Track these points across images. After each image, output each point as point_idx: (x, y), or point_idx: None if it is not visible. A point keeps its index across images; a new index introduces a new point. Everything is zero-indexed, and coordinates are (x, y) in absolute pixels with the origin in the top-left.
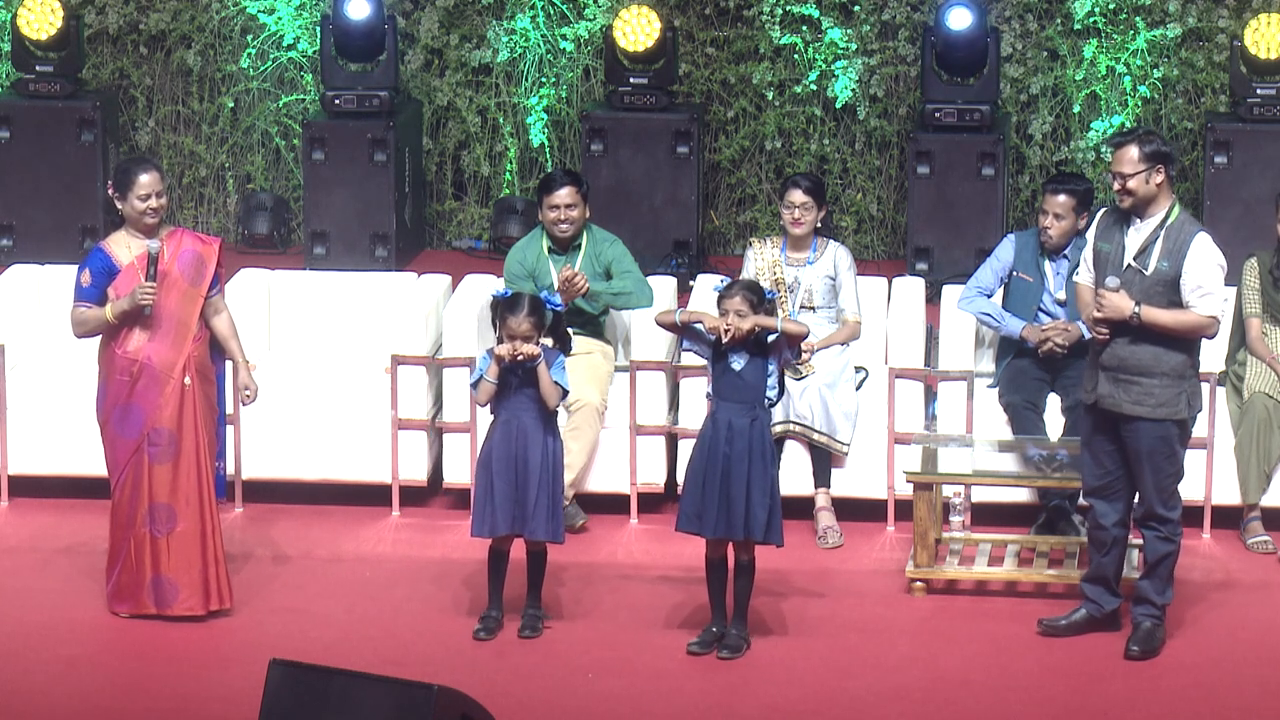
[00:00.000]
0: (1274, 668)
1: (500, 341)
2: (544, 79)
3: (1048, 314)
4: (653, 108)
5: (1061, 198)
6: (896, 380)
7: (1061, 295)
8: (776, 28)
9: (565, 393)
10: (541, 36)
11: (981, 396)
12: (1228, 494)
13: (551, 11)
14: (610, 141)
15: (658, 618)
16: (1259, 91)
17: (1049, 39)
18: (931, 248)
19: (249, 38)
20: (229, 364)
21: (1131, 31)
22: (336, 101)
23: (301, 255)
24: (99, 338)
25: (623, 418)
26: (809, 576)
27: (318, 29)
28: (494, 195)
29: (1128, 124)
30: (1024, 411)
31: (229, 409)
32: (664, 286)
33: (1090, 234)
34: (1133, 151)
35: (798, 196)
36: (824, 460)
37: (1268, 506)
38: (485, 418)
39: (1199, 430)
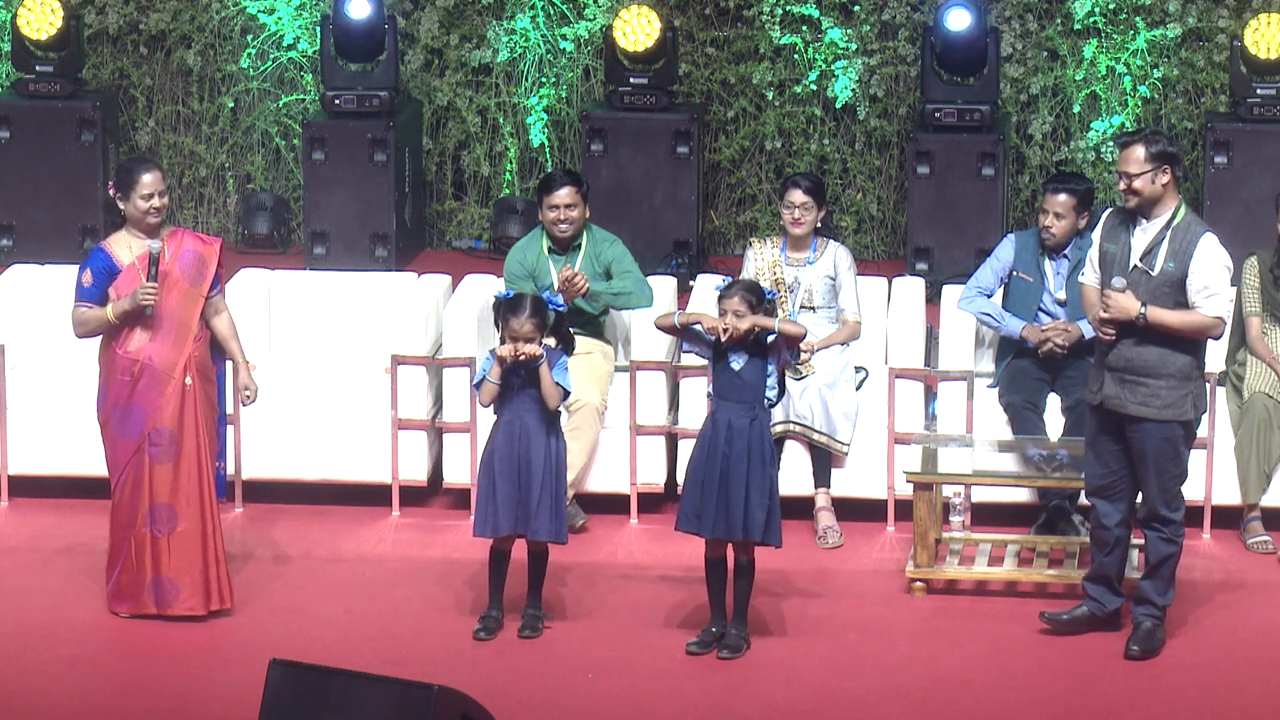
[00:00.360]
0: (1274, 668)
1: (503, 342)
2: (544, 79)
3: (1048, 314)
4: (653, 108)
5: (1062, 197)
6: (896, 380)
7: (1062, 295)
8: (776, 28)
9: (567, 394)
10: (541, 36)
11: (981, 396)
12: (1228, 494)
13: (551, 11)
14: (610, 141)
15: (658, 618)
16: (1259, 91)
17: (1049, 39)
18: (931, 248)
19: (249, 38)
20: (229, 364)
21: (1131, 31)
22: (336, 101)
23: (301, 255)
24: (100, 338)
25: (623, 418)
26: (809, 576)
27: (318, 29)
28: (494, 195)
29: (1128, 124)
30: (1024, 411)
31: (229, 409)
32: (664, 286)
33: (1095, 234)
34: (1139, 151)
35: (798, 196)
36: (824, 460)
37: (1268, 506)
38: (485, 418)
39: (1200, 430)
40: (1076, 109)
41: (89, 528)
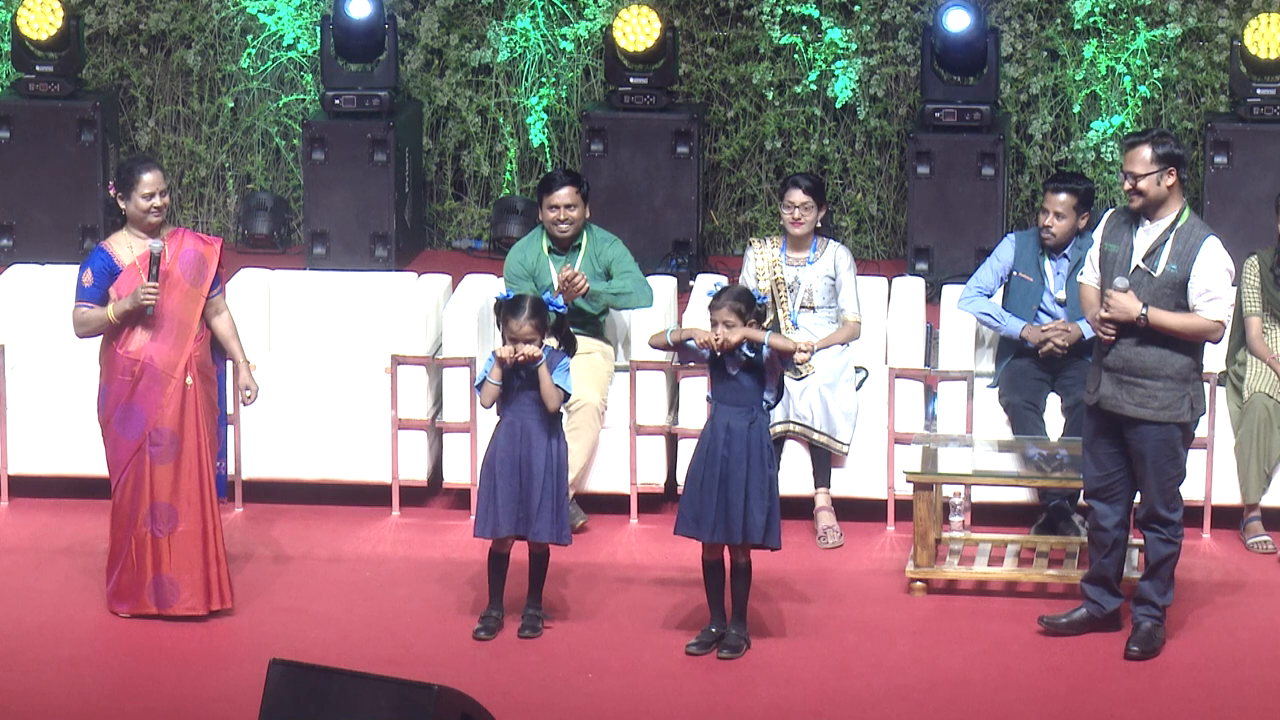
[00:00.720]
0: (1274, 668)
1: (504, 343)
2: (544, 79)
3: (1048, 314)
4: (653, 108)
5: (1062, 196)
6: (896, 380)
7: (1062, 295)
8: (776, 28)
9: (567, 395)
10: (541, 36)
11: (981, 396)
12: (1228, 494)
13: (551, 11)
14: (610, 141)
15: (658, 618)
16: (1259, 91)
17: (1049, 39)
18: (931, 248)
19: (249, 38)
20: (230, 364)
21: (1131, 31)
22: (336, 101)
23: (301, 255)
24: (100, 338)
25: (623, 418)
26: (809, 576)
27: (318, 29)
28: (494, 195)
29: (1128, 124)
30: (1024, 411)
31: (230, 409)
32: (664, 286)
33: (1097, 234)
34: (1145, 152)
35: (798, 196)
36: (824, 460)
37: (1268, 506)
38: (486, 418)
39: (1199, 430)
40: (1076, 109)
41: (89, 528)
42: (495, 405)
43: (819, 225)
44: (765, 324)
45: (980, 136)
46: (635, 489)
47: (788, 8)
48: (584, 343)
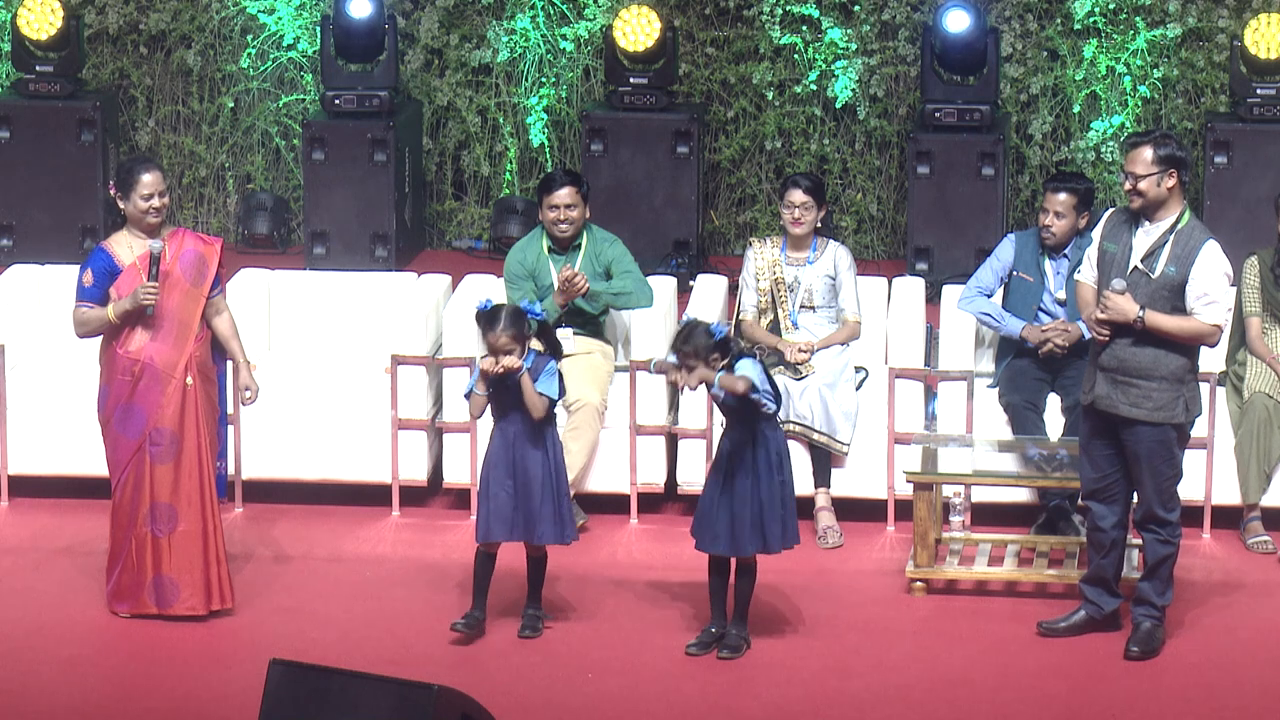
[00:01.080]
0: (1274, 668)
1: (485, 354)
2: (544, 79)
3: (1048, 314)
4: (653, 108)
5: (1062, 196)
6: (896, 380)
7: (1062, 295)
8: (776, 28)
9: (552, 402)
10: (541, 36)
11: (981, 396)
12: (1228, 494)
13: (551, 11)
14: (610, 141)
15: (658, 618)
16: (1259, 91)
17: (1049, 39)
18: (931, 248)
19: (249, 38)
20: (230, 364)
21: (1131, 31)
22: (336, 101)
23: (301, 255)
24: (100, 338)
25: (623, 418)
26: (809, 576)
27: (318, 29)
28: (494, 195)
29: (1128, 124)
30: (1024, 411)
31: (230, 409)
32: (664, 286)
33: (1096, 233)
34: (1146, 153)
35: (798, 196)
36: (824, 460)
37: (1268, 506)
38: (485, 417)
39: (1199, 430)
40: (1076, 109)
41: (89, 528)
42: (490, 411)
43: (819, 225)
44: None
45: (980, 136)
46: (635, 489)
47: (788, 8)
48: (584, 343)
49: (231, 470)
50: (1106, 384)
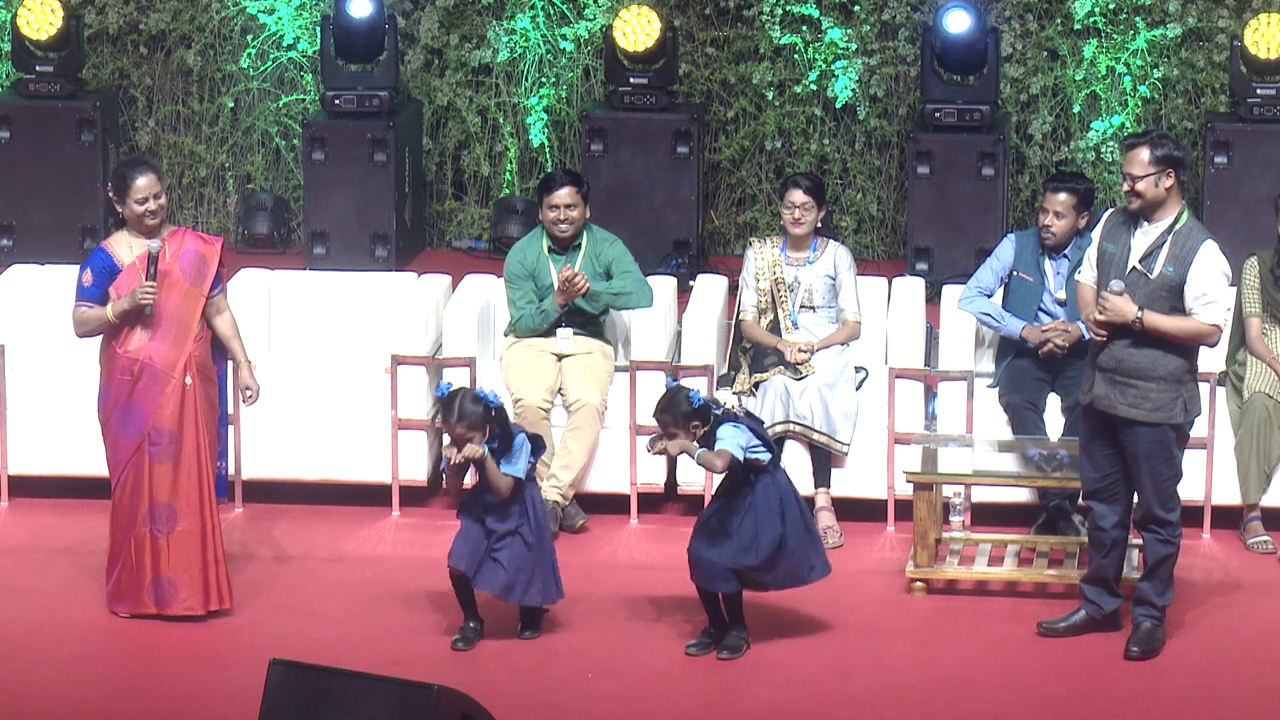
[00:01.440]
0: (1274, 668)
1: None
2: (544, 79)
3: (1048, 314)
4: (653, 108)
5: (1062, 196)
6: (896, 380)
7: (1062, 295)
8: (776, 28)
9: (519, 481)
10: (541, 36)
11: (981, 396)
12: (1228, 494)
13: (551, 11)
14: (610, 141)
15: (658, 618)
16: (1259, 91)
17: (1049, 39)
18: (931, 248)
19: (249, 38)
20: (230, 364)
21: (1131, 31)
22: (336, 101)
23: (301, 255)
24: (100, 337)
25: (623, 418)
26: None
27: (318, 29)
28: (494, 195)
29: (1128, 124)
30: (1024, 411)
31: (230, 409)
32: (664, 286)
33: (1096, 233)
34: (1144, 154)
35: (798, 196)
36: (824, 460)
37: (1268, 506)
38: None
39: (1199, 430)
40: (1076, 109)
41: (89, 528)
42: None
43: (819, 225)
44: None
45: (980, 136)
46: (635, 489)
47: (788, 8)
48: (584, 343)
49: (231, 470)
50: (1105, 384)
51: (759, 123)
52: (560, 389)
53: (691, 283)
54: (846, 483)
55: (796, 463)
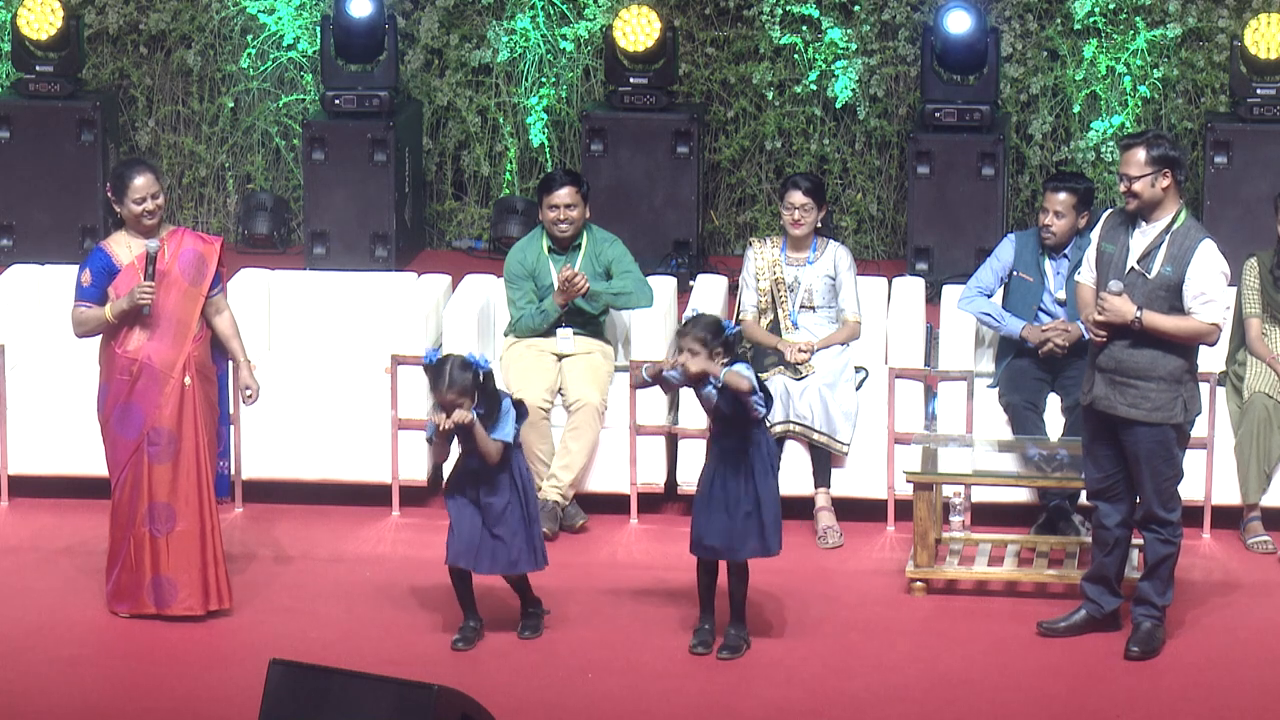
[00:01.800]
0: (1274, 668)
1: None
2: (544, 79)
3: (1048, 314)
4: (653, 108)
5: (1062, 195)
6: (896, 380)
7: (1062, 295)
8: (776, 28)
9: (506, 445)
10: (541, 36)
11: (981, 396)
12: (1228, 494)
13: (551, 11)
14: (610, 141)
15: (658, 618)
16: (1259, 91)
17: (1049, 39)
18: (931, 248)
19: (249, 38)
20: (230, 364)
21: (1131, 31)
22: (336, 101)
23: (301, 255)
24: (99, 337)
25: (623, 418)
26: (809, 576)
27: (318, 29)
28: (494, 195)
29: (1128, 124)
30: (1024, 411)
31: (230, 409)
32: (664, 286)
33: (1095, 234)
34: (1140, 154)
35: (798, 198)
36: (824, 460)
37: (1268, 506)
38: None
39: (1199, 430)
40: (1076, 109)
41: (89, 528)
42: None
43: (819, 225)
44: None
45: (980, 136)
46: (635, 489)
47: (788, 8)
48: (584, 343)
49: (231, 470)
50: (1104, 385)
51: (759, 123)
52: (560, 389)
53: (691, 283)
54: (846, 483)
55: (796, 463)
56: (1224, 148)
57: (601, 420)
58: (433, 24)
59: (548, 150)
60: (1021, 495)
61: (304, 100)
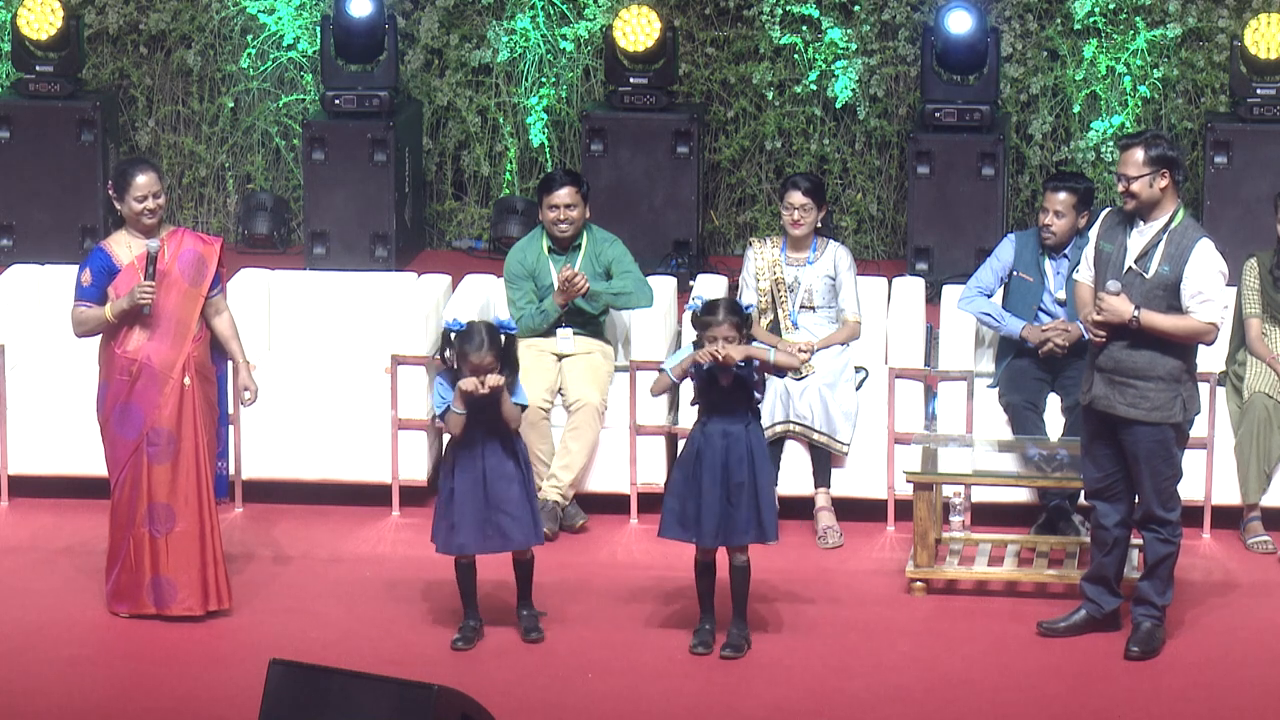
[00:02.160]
0: (1274, 668)
1: (454, 370)
2: (544, 79)
3: (1048, 314)
4: (653, 108)
5: (1062, 195)
6: (896, 380)
7: (1062, 295)
8: (776, 28)
9: (524, 408)
10: (541, 36)
11: (981, 396)
12: (1228, 494)
13: (551, 11)
14: (610, 141)
15: (658, 618)
16: (1259, 91)
17: (1049, 39)
18: (931, 248)
19: (249, 38)
20: (230, 364)
21: (1131, 31)
22: (336, 101)
23: (301, 255)
24: (99, 337)
25: (623, 418)
26: (809, 576)
27: (318, 29)
28: (494, 195)
29: (1128, 124)
30: (1024, 411)
31: (230, 409)
32: (664, 286)
33: (1093, 233)
34: (1138, 154)
35: (797, 198)
36: (824, 460)
37: (1268, 506)
38: None
39: (1199, 430)
40: (1076, 109)
41: (89, 528)
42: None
43: (819, 225)
44: (755, 327)
45: (980, 136)
46: (635, 489)
47: (788, 8)
48: (584, 343)
49: (231, 470)
50: (1104, 385)
51: (759, 123)
52: (560, 389)
53: (691, 283)
54: (846, 483)
55: (796, 463)
56: (1224, 148)
57: (601, 420)
58: (433, 24)
59: (548, 150)
60: (1021, 495)
61: (304, 100)
